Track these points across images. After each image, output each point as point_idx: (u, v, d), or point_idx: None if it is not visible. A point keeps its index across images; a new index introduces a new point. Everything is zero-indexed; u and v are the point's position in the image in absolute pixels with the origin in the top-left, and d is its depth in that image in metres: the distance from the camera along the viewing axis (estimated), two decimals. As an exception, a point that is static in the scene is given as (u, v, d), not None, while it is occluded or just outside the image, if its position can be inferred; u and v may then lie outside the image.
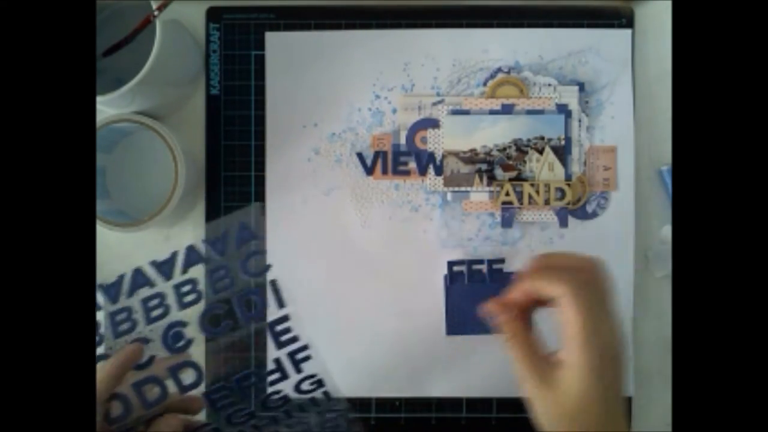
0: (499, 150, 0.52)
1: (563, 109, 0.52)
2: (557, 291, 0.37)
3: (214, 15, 0.53)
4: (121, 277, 0.39)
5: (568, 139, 0.52)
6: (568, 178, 0.52)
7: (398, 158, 0.53)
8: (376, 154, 0.53)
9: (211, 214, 0.53)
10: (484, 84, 0.53)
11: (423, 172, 0.52)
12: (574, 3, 0.54)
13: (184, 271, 0.39)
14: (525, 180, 0.52)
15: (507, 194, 0.52)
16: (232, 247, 0.39)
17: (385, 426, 0.53)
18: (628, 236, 0.52)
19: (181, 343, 0.38)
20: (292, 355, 0.40)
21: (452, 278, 0.52)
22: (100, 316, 0.39)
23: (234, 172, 0.53)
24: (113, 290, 0.39)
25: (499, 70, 0.53)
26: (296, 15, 0.53)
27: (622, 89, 0.53)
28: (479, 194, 0.52)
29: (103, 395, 0.37)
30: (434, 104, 0.53)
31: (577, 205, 0.52)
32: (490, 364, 0.52)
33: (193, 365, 0.38)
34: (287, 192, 0.53)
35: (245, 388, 0.40)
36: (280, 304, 0.40)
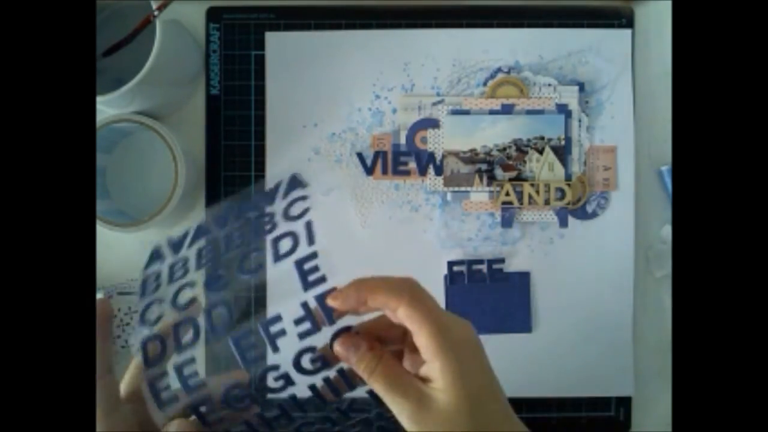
0: (499, 150, 0.52)
1: (563, 109, 0.52)
2: (392, 301, 0.34)
3: (214, 15, 0.53)
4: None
5: (568, 139, 0.52)
6: (568, 178, 0.52)
7: (398, 158, 0.53)
8: (376, 154, 0.53)
9: (211, 214, 0.53)
10: (484, 84, 0.53)
11: (423, 172, 0.52)
12: (574, 3, 0.54)
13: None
14: (525, 180, 0.52)
15: (507, 194, 0.52)
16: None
17: (386, 426, 0.52)
18: (628, 236, 0.52)
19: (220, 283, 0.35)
20: (321, 298, 0.35)
21: (452, 278, 0.52)
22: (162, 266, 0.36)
23: (234, 172, 0.53)
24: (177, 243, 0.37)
25: (499, 70, 0.53)
26: (296, 15, 0.53)
27: (622, 89, 0.53)
28: (479, 194, 0.52)
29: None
30: (434, 104, 0.53)
31: (577, 205, 0.52)
32: (491, 364, 0.52)
33: (225, 303, 0.35)
34: (287, 192, 0.53)
35: (273, 336, 0.36)
36: (311, 241, 0.36)
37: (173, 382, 0.34)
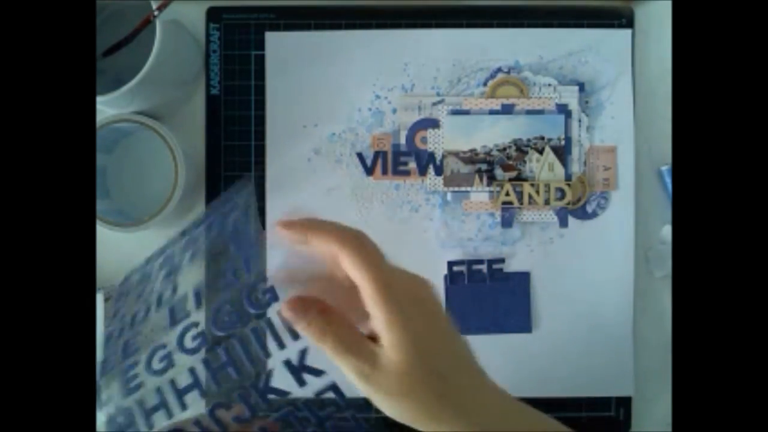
0: (499, 150, 0.52)
1: (563, 109, 0.52)
2: (337, 243, 0.32)
3: (214, 15, 0.53)
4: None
5: (568, 139, 0.52)
6: (568, 178, 0.52)
7: (398, 158, 0.53)
8: (376, 154, 0.53)
9: (211, 214, 0.53)
10: (484, 84, 0.53)
11: (423, 172, 0.52)
12: (574, 3, 0.54)
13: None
14: (525, 180, 0.52)
15: (507, 194, 0.52)
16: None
17: (385, 426, 0.52)
18: (628, 236, 0.52)
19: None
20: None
21: (452, 278, 0.52)
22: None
23: (234, 172, 0.53)
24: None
25: (499, 70, 0.53)
26: (296, 15, 0.53)
27: (622, 89, 0.53)
28: (479, 194, 0.52)
29: None
30: (434, 104, 0.53)
31: (577, 205, 0.52)
32: (490, 364, 0.52)
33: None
34: (287, 192, 0.53)
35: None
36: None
37: None
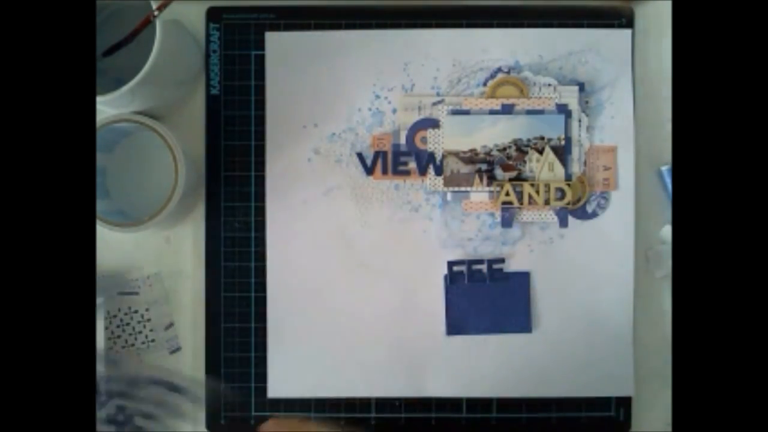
0: (499, 150, 0.52)
1: (563, 109, 0.52)
2: None
3: (214, 15, 0.53)
4: None
5: (568, 139, 0.52)
6: (568, 178, 0.52)
7: (398, 158, 0.53)
8: (376, 154, 0.53)
9: (211, 214, 0.53)
10: (484, 84, 0.53)
11: (423, 172, 0.52)
12: (574, 3, 0.54)
13: None
14: (525, 180, 0.52)
15: (507, 194, 0.52)
16: None
17: (385, 426, 0.53)
18: (628, 236, 0.52)
19: None
20: None
21: (452, 278, 0.52)
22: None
23: (234, 172, 0.53)
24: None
25: (499, 70, 0.53)
26: (296, 15, 0.53)
27: (622, 89, 0.53)
28: (479, 194, 0.52)
29: None
30: (434, 104, 0.53)
31: (577, 205, 0.52)
32: (490, 364, 0.52)
33: None
34: (287, 192, 0.53)
35: None
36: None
37: None
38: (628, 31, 0.53)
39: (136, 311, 0.53)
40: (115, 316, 0.53)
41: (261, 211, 0.53)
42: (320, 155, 0.53)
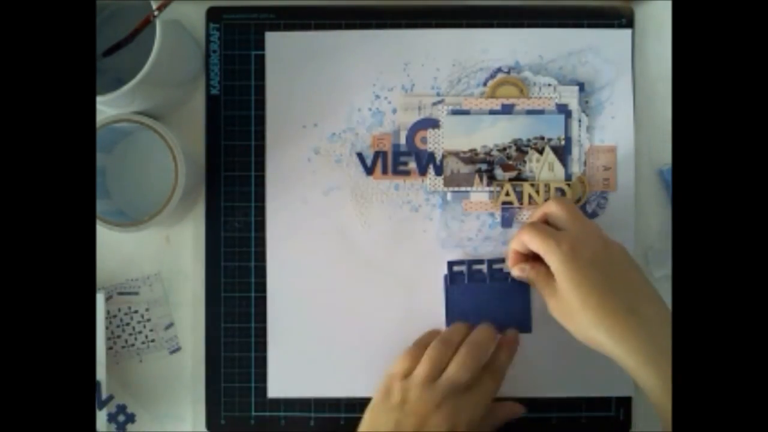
0: (499, 150, 0.52)
1: (563, 109, 0.52)
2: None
3: (214, 15, 0.53)
4: None
5: (568, 139, 0.52)
6: (568, 178, 0.52)
7: (398, 158, 0.53)
8: (376, 154, 0.53)
9: (211, 214, 0.53)
10: (484, 84, 0.53)
11: (423, 172, 0.52)
12: (574, 3, 0.54)
13: None
14: (525, 180, 0.52)
15: (507, 194, 0.52)
16: None
17: None
18: (628, 236, 0.52)
19: None
20: None
21: (452, 278, 0.52)
22: None
23: (234, 172, 0.53)
24: None
25: (499, 70, 0.53)
26: (296, 15, 0.53)
27: (622, 89, 0.53)
28: (479, 194, 0.52)
29: None
30: (434, 104, 0.53)
31: (577, 205, 0.52)
32: (490, 364, 0.52)
33: None
34: (287, 192, 0.53)
35: None
36: None
37: None
38: (628, 31, 0.53)
39: (136, 311, 0.53)
40: (115, 316, 0.53)
41: (261, 211, 0.53)
42: (320, 155, 0.53)
